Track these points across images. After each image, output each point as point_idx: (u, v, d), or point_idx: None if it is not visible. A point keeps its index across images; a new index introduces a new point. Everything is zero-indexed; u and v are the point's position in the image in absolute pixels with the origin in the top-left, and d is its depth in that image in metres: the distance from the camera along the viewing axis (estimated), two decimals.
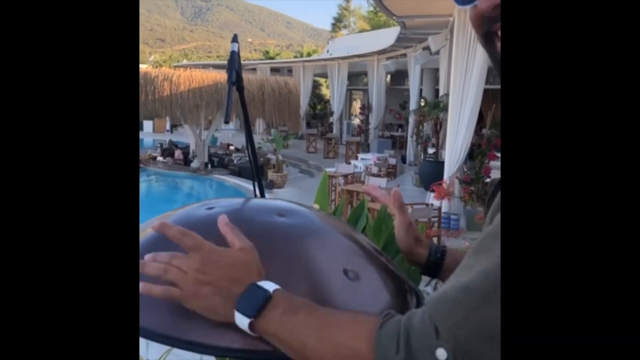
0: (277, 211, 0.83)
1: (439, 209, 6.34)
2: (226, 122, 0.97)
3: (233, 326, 0.63)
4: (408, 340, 0.53)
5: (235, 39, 1.05)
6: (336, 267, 0.77)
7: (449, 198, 6.50)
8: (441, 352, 0.50)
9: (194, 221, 0.80)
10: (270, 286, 0.64)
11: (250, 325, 0.62)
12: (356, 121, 21.96)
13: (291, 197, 9.35)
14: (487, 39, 0.66)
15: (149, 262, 0.65)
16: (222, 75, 12.71)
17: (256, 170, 1.04)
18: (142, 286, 0.63)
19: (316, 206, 2.48)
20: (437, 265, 0.90)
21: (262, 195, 1.10)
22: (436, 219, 6.78)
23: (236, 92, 1.08)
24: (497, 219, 0.56)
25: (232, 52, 1.02)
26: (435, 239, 6.24)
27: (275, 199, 0.95)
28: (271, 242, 0.76)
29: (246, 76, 13.50)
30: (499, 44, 0.65)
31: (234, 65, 1.01)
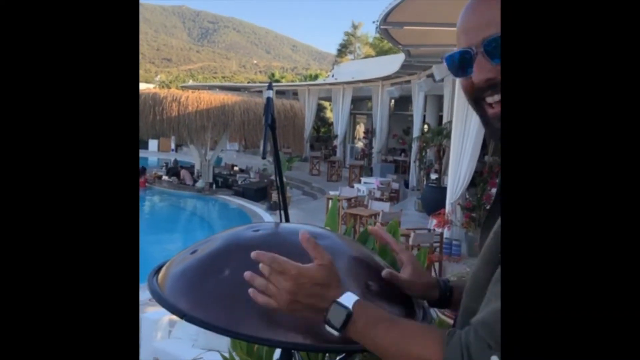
0: (311, 234, 0.98)
1: (441, 234, 6.45)
2: (263, 157, 1.12)
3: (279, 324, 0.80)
4: (469, 351, 0.68)
5: (270, 87, 1.21)
6: (360, 282, 0.91)
7: (449, 226, 6.61)
8: (494, 358, 0.65)
9: (248, 242, 0.94)
10: (350, 300, 0.78)
11: (339, 336, 0.77)
12: (359, 144, 22.16)
13: (295, 219, 9.41)
14: (477, 104, 0.78)
15: (257, 276, 0.79)
16: (228, 98, 12.95)
17: (283, 200, 1.18)
18: (251, 291, 0.78)
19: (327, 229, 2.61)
20: (446, 300, 1.02)
21: (287, 221, 1.24)
22: (438, 244, 6.91)
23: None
24: None
25: (268, 99, 1.18)
26: (437, 265, 6.34)
27: (307, 225, 1.10)
28: (309, 261, 0.90)
29: (252, 99, 13.75)
30: (488, 110, 0.76)
31: (269, 109, 1.16)
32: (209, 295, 0.83)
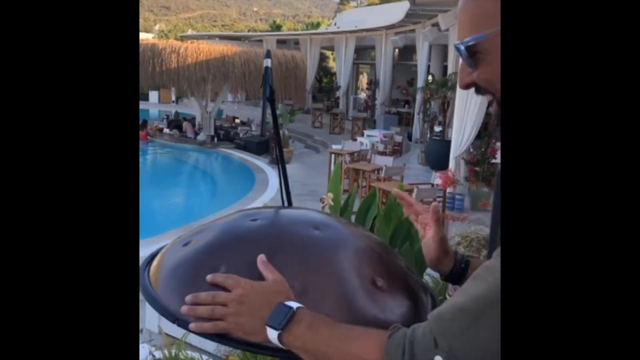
0: (313, 224, 0.90)
1: (444, 190, 6.41)
2: (262, 135, 1.04)
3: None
4: (412, 349, 0.64)
5: (268, 55, 1.10)
6: (366, 278, 0.84)
7: (455, 185, 6.56)
8: (438, 359, 0.62)
9: (244, 234, 0.87)
10: (294, 304, 0.75)
11: (279, 338, 0.73)
12: (362, 95, 21.85)
13: (297, 173, 9.39)
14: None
15: (198, 307, 0.76)
16: (228, 48, 12.63)
17: (285, 180, 1.10)
18: (194, 326, 0.75)
19: (330, 195, 2.56)
20: (461, 275, 0.97)
21: (290, 204, 1.17)
22: (441, 198, 6.87)
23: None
24: (496, 252, 0.63)
25: (266, 68, 1.08)
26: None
27: (309, 211, 1.02)
28: (309, 255, 0.83)
29: (253, 49, 13.43)
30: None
31: (267, 80, 1.07)
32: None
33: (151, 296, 0.80)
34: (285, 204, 1.15)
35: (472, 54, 0.69)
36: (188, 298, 0.77)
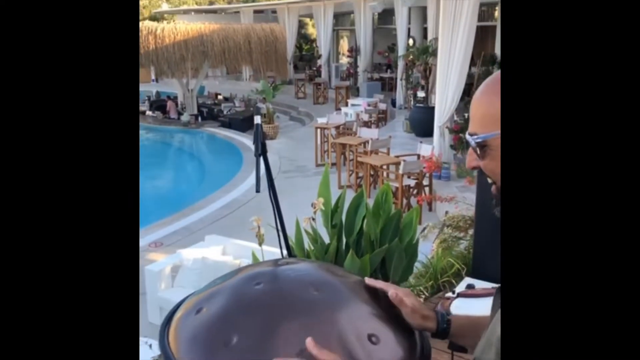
0: (312, 285, 0.99)
1: (430, 173, 6.54)
2: (257, 191, 1.11)
3: None
4: None
5: (258, 112, 1.17)
6: (363, 334, 0.94)
7: (439, 168, 6.66)
8: None
9: (251, 300, 0.96)
10: None
11: None
12: (344, 60, 21.68)
13: (284, 149, 9.40)
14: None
15: None
16: (206, 27, 12.46)
17: (284, 235, 1.19)
18: None
19: (320, 200, 2.65)
20: (445, 333, 1.06)
21: (290, 254, 1.25)
22: (427, 170, 6.99)
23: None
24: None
25: (257, 125, 1.15)
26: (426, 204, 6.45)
27: (308, 268, 1.10)
28: (312, 319, 0.93)
29: (231, 25, 13.24)
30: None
31: (259, 137, 1.14)
32: None
33: None
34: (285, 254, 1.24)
35: (481, 148, 0.78)
36: None
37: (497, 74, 0.82)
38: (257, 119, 1.15)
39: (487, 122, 0.77)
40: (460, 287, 1.86)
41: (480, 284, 2.10)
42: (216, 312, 0.94)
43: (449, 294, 1.90)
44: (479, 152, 0.79)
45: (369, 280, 1.08)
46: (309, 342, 0.85)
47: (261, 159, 1.12)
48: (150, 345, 2.57)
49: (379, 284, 1.07)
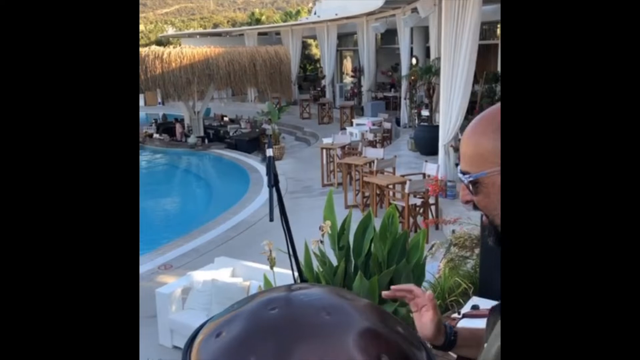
0: (324, 310, 1.06)
1: (436, 195, 6.59)
2: (270, 220, 1.18)
3: None
4: None
5: (270, 145, 1.25)
6: (372, 355, 1.00)
7: (444, 191, 6.71)
8: None
9: (267, 325, 1.02)
10: None
11: None
12: (348, 80, 21.90)
13: (291, 170, 9.45)
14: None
15: None
16: (211, 50, 12.68)
17: (296, 260, 1.25)
18: None
19: (328, 223, 2.71)
20: (451, 344, 1.13)
21: (302, 279, 1.32)
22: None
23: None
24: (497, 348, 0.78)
25: (269, 158, 1.22)
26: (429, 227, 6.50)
27: (320, 293, 1.17)
28: (324, 343, 0.99)
29: (236, 49, 13.46)
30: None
31: (271, 169, 1.21)
32: None
33: None
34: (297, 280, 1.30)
35: (473, 185, 0.84)
36: None
37: (485, 113, 0.88)
38: (269, 152, 1.22)
39: (477, 162, 0.83)
40: (466, 308, 1.91)
41: (487, 303, 2.15)
42: (235, 336, 1.00)
43: (455, 315, 1.95)
44: (471, 188, 0.84)
45: (394, 288, 1.14)
46: None
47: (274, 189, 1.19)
48: None
49: (407, 287, 1.13)
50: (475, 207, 0.87)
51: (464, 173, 0.85)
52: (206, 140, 13.95)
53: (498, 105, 0.87)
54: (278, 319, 1.05)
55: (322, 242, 2.58)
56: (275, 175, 1.22)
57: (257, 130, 13.96)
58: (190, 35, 25.25)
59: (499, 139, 0.76)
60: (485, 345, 0.89)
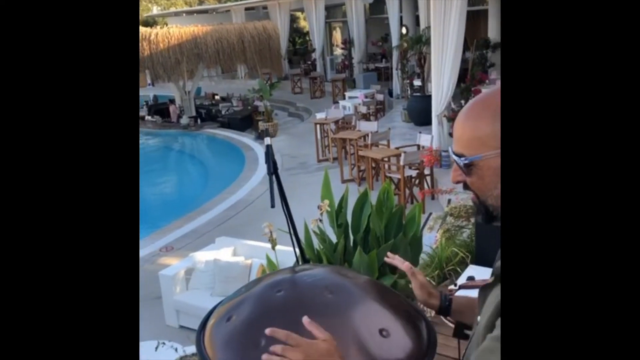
0: (327, 289, 1.12)
1: (431, 167, 6.65)
2: (272, 207, 1.23)
3: None
4: None
5: (267, 133, 1.29)
6: (374, 329, 1.07)
7: (438, 161, 6.76)
8: None
9: (274, 306, 1.09)
10: None
11: None
12: (338, 52, 21.71)
13: (285, 146, 9.44)
14: None
15: (271, 357, 0.90)
16: (199, 29, 12.54)
17: (298, 241, 1.31)
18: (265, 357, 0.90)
19: (326, 202, 2.77)
20: (447, 310, 1.20)
21: (305, 261, 1.37)
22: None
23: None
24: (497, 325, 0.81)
25: (267, 146, 1.26)
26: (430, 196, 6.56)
27: (322, 273, 1.23)
28: (329, 319, 1.05)
29: (224, 26, 13.31)
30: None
31: (270, 157, 1.26)
32: None
33: None
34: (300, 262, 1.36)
35: (467, 167, 0.87)
36: (268, 331, 0.92)
37: (479, 96, 0.92)
38: (267, 140, 1.27)
39: (474, 145, 0.86)
40: (462, 279, 1.99)
41: (483, 271, 2.22)
42: (244, 319, 1.07)
43: (452, 287, 2.03)
44: (465, 171, 0.88)
45: (389, 256, 1.22)
46: (305, 320, 0.94)
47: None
48: (176, 349, 2.71)
49: (396, 260, 1.21)
50: (466, 187, 0.91)
51: (458, 155, 0.88)
52: (199, 120, 13.90)
53: (493, 89, 0.90)
54: (285, 300, 1.11)
55: (321, 220, 2.64)
56: (275, 163, 1.27)
57: (249, 107, 13.90)
58: (176, 14, 24.85)
59: (496, 123, 0.79)
60: (479, 318, 0.95)
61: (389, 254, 1.24)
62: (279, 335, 0.92)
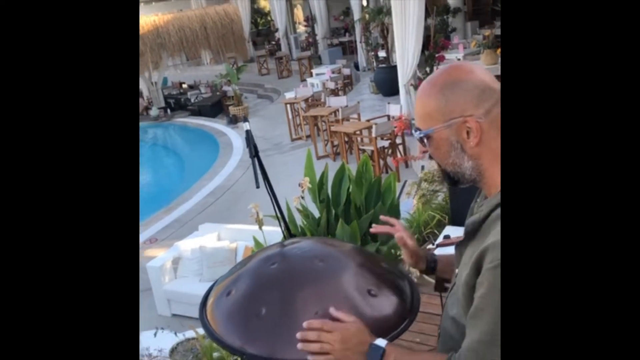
0: (317, 258, 1.23)
1: (402, 134, 6.78)
2: (257, 187, 1.33)
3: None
4: None
5: (246, 119, 1.38)
6: (363, 290, 1.18)
7: (409, 127, 6.88)
8: None
9: (270, 278, 1.19)
10: (382, 342, 1.03)
11: None
12: (301, 29, 21.57)
13: (258, 128, 9.42)
14: None
15: (309, 344, 1.01)
16: (160, 19, 12.35)
17: (283, 219, 1.41)
18: (302, 346, 1.01)
19: (307, 179, 2.87)
20: (432, 270, 1.34)
21: (290, 235, 1.48)
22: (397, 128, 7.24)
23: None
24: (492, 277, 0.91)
25: (247, 131, 1.36)
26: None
27: (310, 244, 1.34)
28: (321, 286, 1.17)
29: (185, 13, 13.13)
30: None
31: (251, 141, 1.35)
32: (255, 333, 1.09)
33: (218, 339, 1.12)
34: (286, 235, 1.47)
35: (425, 139, 1.00)
36: (298, 335, 1.02)
37: (430, 76, 1.02)
38: (247, 125, 1.35)
39: (426, 120, 0.99)
40: (439, 239, 2.12)
41: (458, 231, 2.36)
42: (244, 292, 1.17)
43: (430, 246, 2.17)
44: (424, 143, 1.01)
45: (375, 227, 1.33)
46: (332, 310, 1.06)
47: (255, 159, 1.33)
48: (175, 333, 2.81)
49: (385, 229, 1.32)
50: (431, 157, 1.04)
51: (417, 130, 1.01)
52: (169, 111, 13.77)
53: (442, 68, 1.02)
54: (279, 272, 1.22)
55: (302, 197, 2.74)
56: (255, 147, 1.36)
57: (217, 93, 13.81)
58: (145, 3, 24.23)
59: (441, 99, 0.94)
60: (457, 270, 1.07)
61: (373, 228, 1.34)
62: (315, 324, 1.03)
